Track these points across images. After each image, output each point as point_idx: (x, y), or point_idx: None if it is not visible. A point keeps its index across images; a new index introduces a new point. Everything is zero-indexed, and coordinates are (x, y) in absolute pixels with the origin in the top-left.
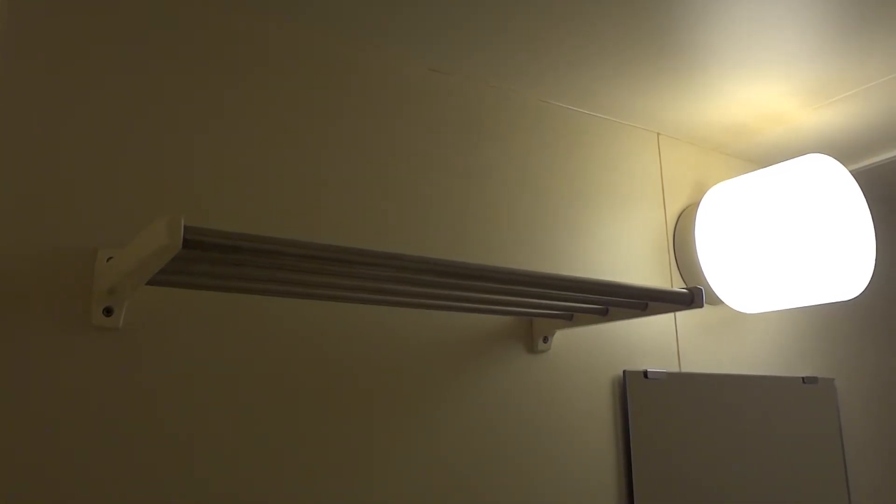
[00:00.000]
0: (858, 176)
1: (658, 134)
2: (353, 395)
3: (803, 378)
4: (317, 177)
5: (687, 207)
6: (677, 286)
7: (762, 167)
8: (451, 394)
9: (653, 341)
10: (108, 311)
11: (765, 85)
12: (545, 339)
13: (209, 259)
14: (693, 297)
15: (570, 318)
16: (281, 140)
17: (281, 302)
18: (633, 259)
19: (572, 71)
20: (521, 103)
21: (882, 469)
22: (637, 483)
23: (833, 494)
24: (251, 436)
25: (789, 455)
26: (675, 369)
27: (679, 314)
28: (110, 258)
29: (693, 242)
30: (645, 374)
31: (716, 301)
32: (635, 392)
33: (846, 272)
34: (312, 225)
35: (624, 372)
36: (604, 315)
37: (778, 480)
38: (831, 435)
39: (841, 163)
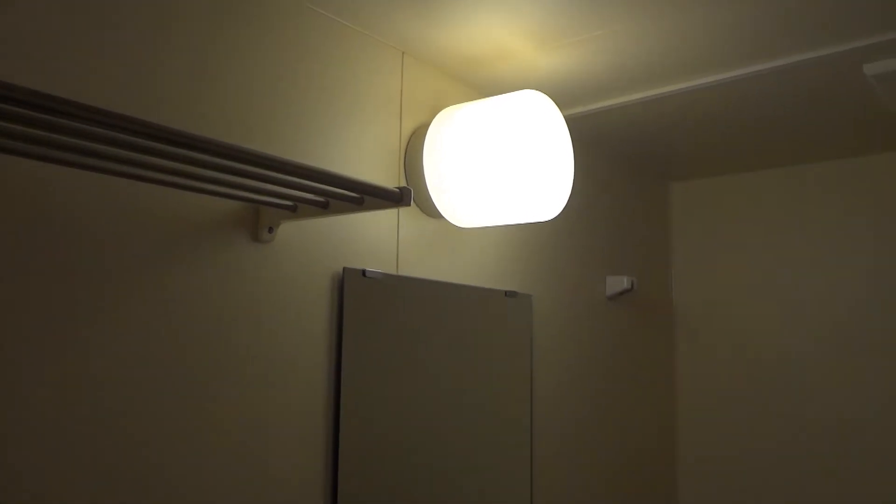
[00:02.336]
0: (572, 120)
1: (403, 53)
2: (60, 268)
3: (506, 291)
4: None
5: (420, 126)
6: None
7: None
8: (168, 274)
9: (376, 244)
10: None
11: (500, 20)
12: (270, 230)
13: None
14: (402, 195)
15: (294, 209)
16: None
17: None
18: (366, 170)
19: None
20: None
21: (557, 372)
22: (345, 377)
23: (519, 394)
24: None
25: (487, 359)
26: (392, 272)
27: (402, 222)
28: None
29: (421, 160)
30: (363, 272)
31: (436, 214)
32: (352, 289)
33: (546, 197)
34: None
35: (344, 269)
36: (325, 208)
37: (475, 381)
38: (524, 343)
39: (559, 105)
